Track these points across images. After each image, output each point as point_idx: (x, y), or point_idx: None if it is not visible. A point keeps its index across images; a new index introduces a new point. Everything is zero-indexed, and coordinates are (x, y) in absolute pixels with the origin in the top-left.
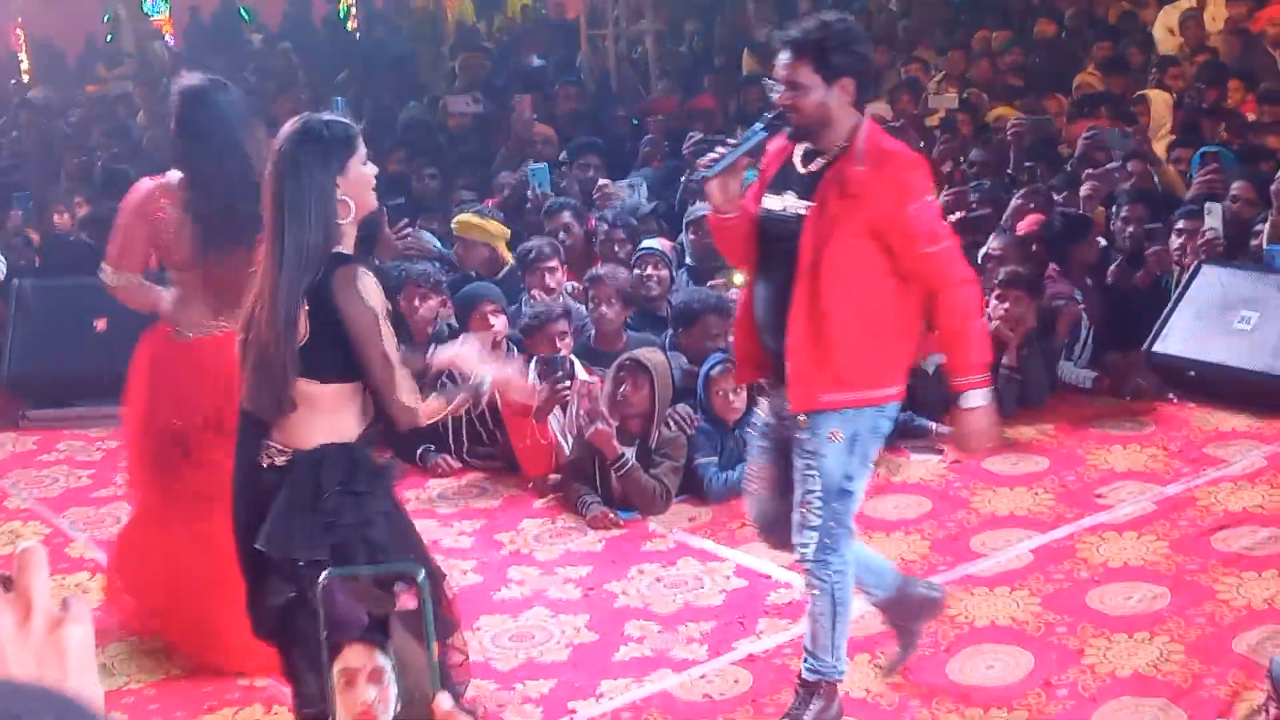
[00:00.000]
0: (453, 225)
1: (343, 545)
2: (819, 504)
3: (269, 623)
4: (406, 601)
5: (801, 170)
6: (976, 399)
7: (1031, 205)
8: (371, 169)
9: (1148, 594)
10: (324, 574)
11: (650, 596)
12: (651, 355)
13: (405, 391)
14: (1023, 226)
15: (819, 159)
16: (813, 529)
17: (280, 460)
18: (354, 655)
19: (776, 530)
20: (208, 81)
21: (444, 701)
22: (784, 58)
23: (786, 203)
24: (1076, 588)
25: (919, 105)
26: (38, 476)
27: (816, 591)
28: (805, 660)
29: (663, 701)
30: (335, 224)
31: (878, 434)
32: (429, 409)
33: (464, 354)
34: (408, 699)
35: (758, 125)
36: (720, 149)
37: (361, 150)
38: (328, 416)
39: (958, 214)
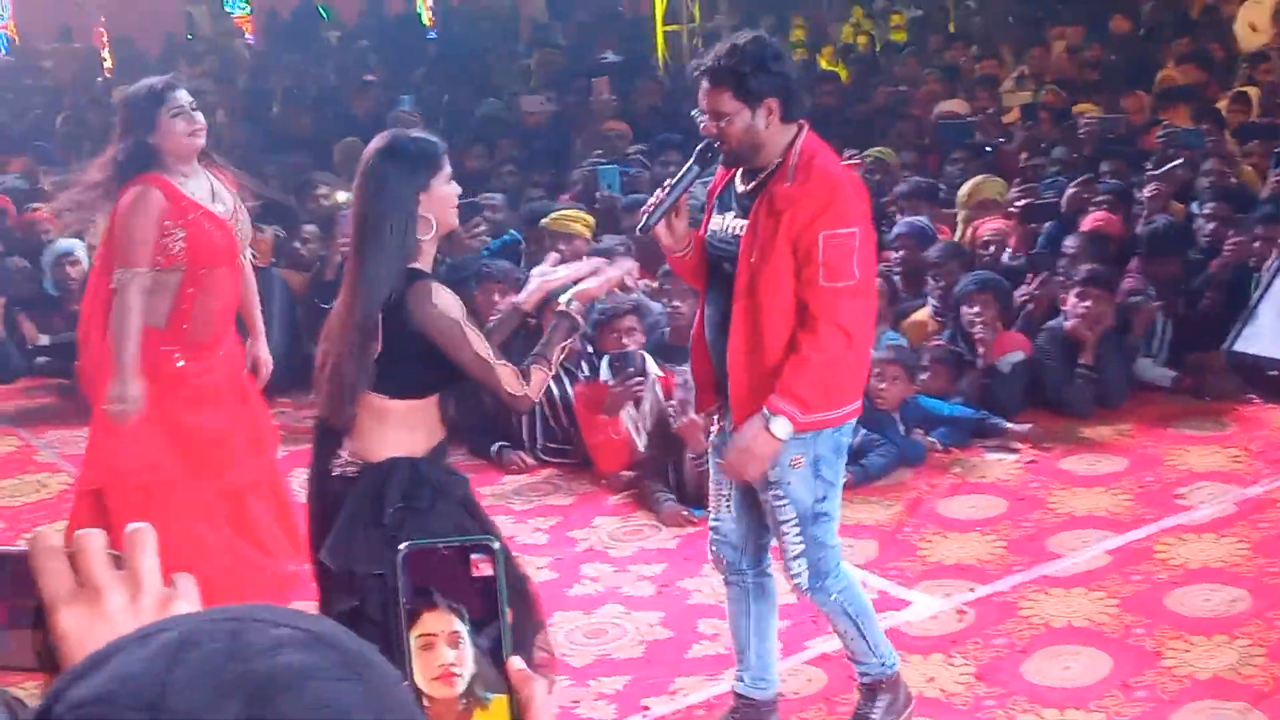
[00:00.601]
0: (544, 221)
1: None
2: (797, 532)
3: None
4: (482, 569)
5: (740, 189)
6: (781, 427)
7: (1085, 195)
8: (455, 188)
9: (1227, 596)
10: (401, 547)
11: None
12: None
13: (509, 381)
14: (1088, 223)
15: (755, 178)
16: (798, 558)
17: (350, 471)
18: (432, 620)
19: (729, 549)
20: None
21: (517, 663)
22: (704, 86)
23: (728, 223)
24: (1155, 589)
25: (995, 102)
26: None
27: (829, 614)
28: (856, 668)
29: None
30: (415, 240)
31: (840, 451)
32: (536, 383)
33: (546, 282)
34: (486, 679)
35: (691, 162)
36: (659, 193)
37: (446, 169)
38: (397, 431)
39: (1023, 200)
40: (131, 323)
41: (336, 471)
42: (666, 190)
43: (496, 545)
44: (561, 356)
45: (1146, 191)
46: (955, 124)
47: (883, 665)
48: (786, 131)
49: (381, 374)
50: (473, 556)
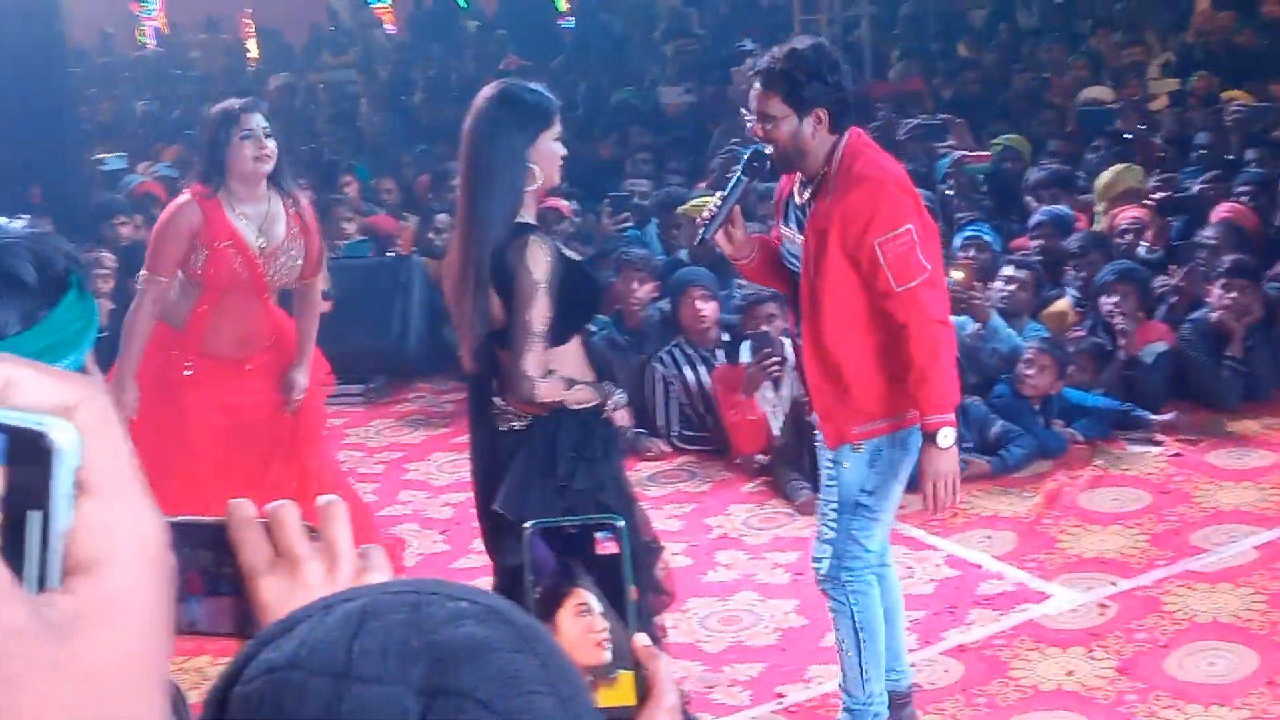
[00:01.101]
0: (681, 209)
1: (576, 509)
2: (833, 515)
3: (503, 583)
4: (607, 547)
5: (798, 201)
6: (946, 437)
7: (1216, 189)
8: (561, 148)
9: None
10: (527, 525)
11: None
12: None
13: (531, 363)
14: (1218, 214)
15: (807, 190)
16: (826, 542)
17: (518, 425)
18: (574, 597)
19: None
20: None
21: (642, 639)
22: (755, 88)
23: (792, 235)
24: None
25: (1142, 89)
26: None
27: (835, 615)
28: (841, 696)
29: None
30: (523, 190)
31: (907, 450)
32: (550, 388)
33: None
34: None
35: (739, 172)
36: (712, 205)
37: (557, 127)
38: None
39: (1161, 194)
40: (140, 327)
41: (504, 427)
42: (720, 200)
43: (620, 523)
44: (582, 399)
45: None
46: (1096, 111)
47: (867, 705)
48: (829, 140)
49: (503, 330)
50: (597, 535)
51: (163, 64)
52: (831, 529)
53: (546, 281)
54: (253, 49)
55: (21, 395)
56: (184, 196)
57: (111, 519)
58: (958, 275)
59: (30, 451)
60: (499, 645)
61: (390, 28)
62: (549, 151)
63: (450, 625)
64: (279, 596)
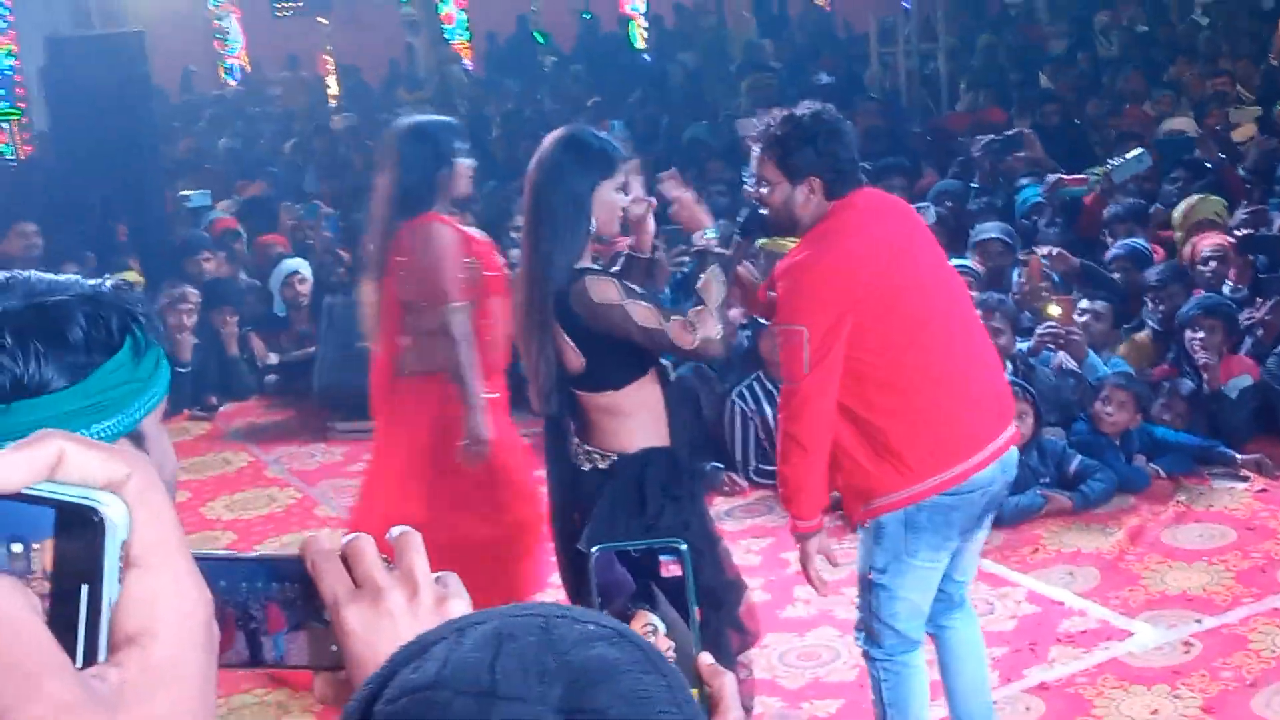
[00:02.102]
0: (760, 242)
1: None
2: (858, 591)
3: None
4: (671, 570)
5: None
6: (797, 536)
7: None
8: (622, 198)
9: None
10: (594, 549)
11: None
12: None
13: (679, 337)
14: None
15: None
16: (860, 617)
17: (602, 464)
18: (640, 619)
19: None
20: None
21: (706, 658)
22: (755, 151)
23: None
24: None
25: (1223, 120)
26: (344, 486)
27: (871, 685)
28: None
29: None
30: (586, 234)
31: (910, 528)
32: (705, 326)
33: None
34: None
35: (736, 232)
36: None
37: (619, 177)
38: (626, 421)
39: (1245, 230)
40: (473, 357)
41: (588, 466)
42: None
43: (683, 547)
44: (720, 292)
45: None
46: (1175, 140)
47: None
48: (820, 211)
49: (578, 377)
50: (661, 559)
51: (244, 101)
52: (858, 606)
53: (621, 295)
54: (333, 85)
55: (72, 469)
56: (425, 223)
57: (157, 590)
58: (1055, 311)
59: (80, 525)
60: (630, 667)
61: (468, 63)
62: (607, 200)
63: (582, 647)
64: (364, 625)
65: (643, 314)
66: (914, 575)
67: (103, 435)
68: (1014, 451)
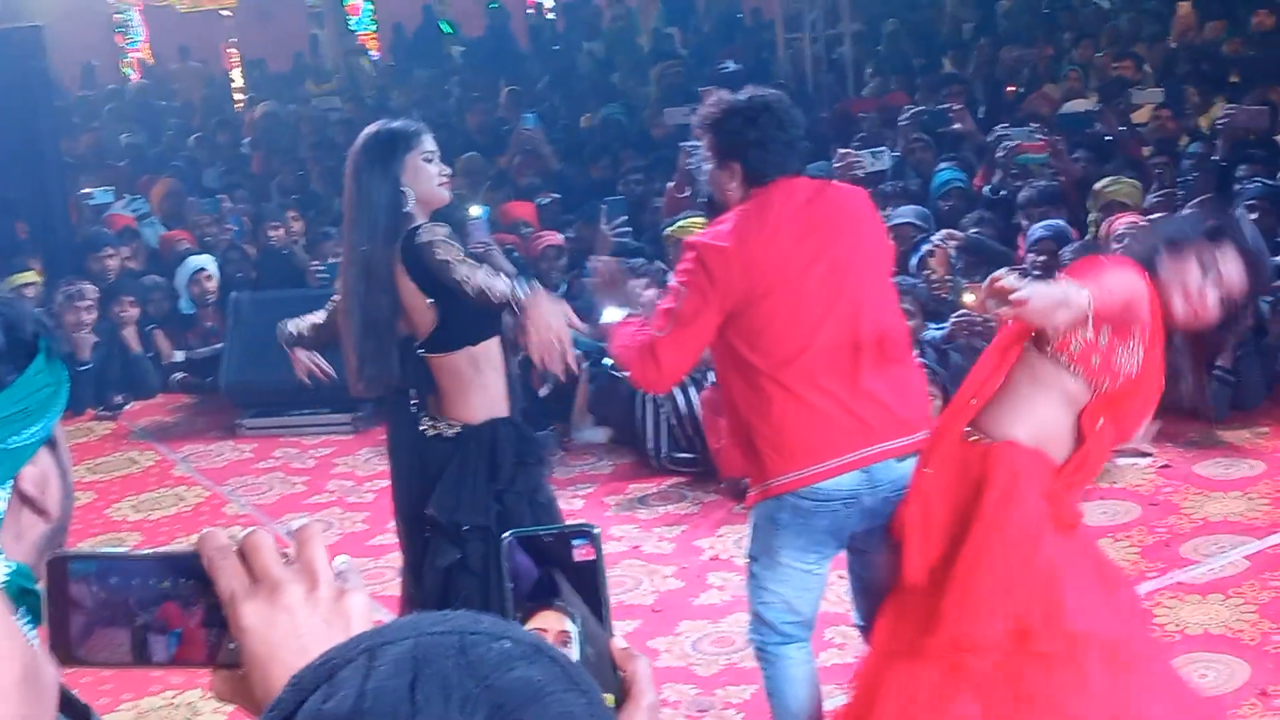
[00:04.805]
0: (667, 230)
1: (509, 511)
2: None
3: (434, 588)
4: (584, 553)
5: None
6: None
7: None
8: (434, 167)
9: None
10: (506, 536)
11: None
12: None
13: (489, 283)
14: None
15: None
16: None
17: (449, 432)
18: (544, 619)
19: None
20: None
21: (620, 643)
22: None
23: None
24: None
25: (1126, 100)
26: (254, 484)
27: None
28: None
29: None
30: (399, 213)
31: (776, 525)
32: (501, 285)
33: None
34: (588, 665)
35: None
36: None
37: (423, 148)
38: (474, 385)
39: (1156, 215)
40: None
41: (431, 433)
42: None
43: (595, 530)
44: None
45: None
46: (1074, 117)
47: None
48: (740, 196)
49: (430, 336)
50: (573, 543)
51: (147, 96)
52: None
53: (447, 236)
54: (237, 78)
55: None
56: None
57: None
58: (969, 299)
59: None
60: (551, 687)
61: (375, 54)
62: (416, 171)
63: (502, 669)
64: (262, 621)
65: (461, 259)
66: (782, 572)
67: (30, 441)
68: (892, 465)
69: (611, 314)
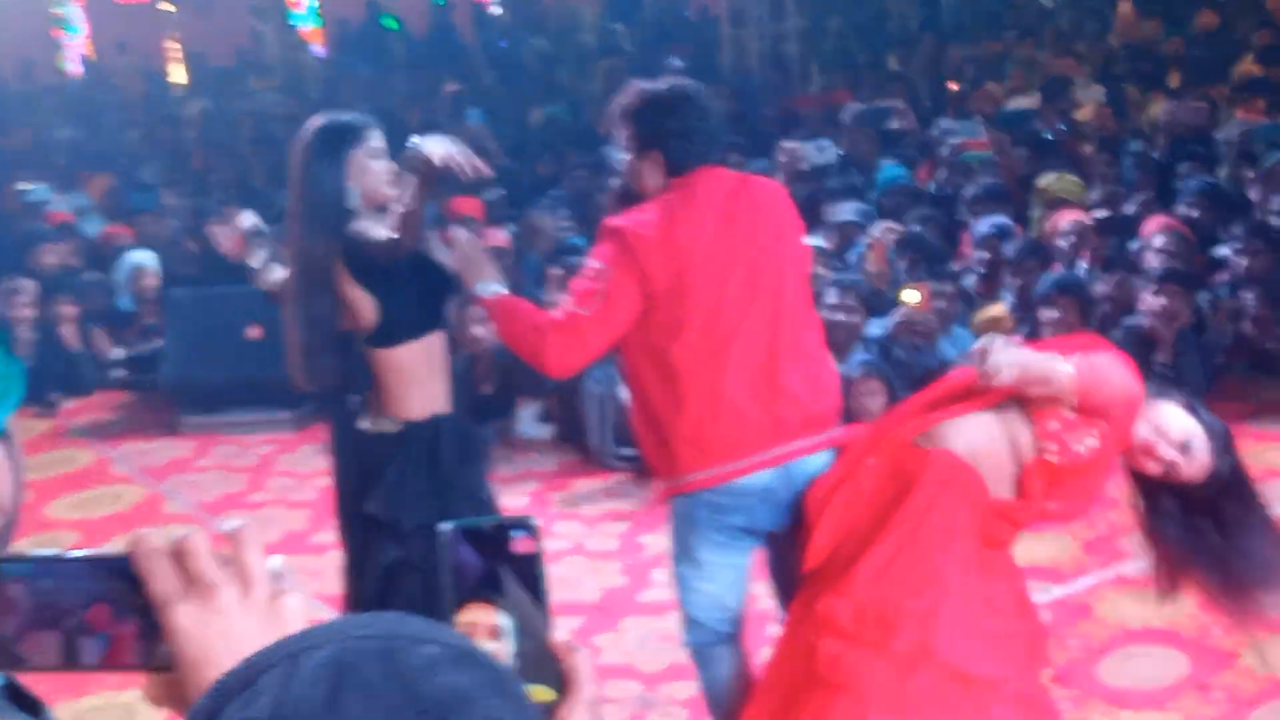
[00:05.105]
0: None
1: (450, 508)
2: None
3: (375, 586)
4: (523, 546)
5: None
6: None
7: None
8: (381, 163)
9: None
10: (446, 527)
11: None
12: None
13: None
14: (1152, 225)
15: None
16: None
17: (392, 429)
18: (473, 612)
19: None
20: None
21: (560, 637)
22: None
23: None
24: None
25: (1068, 99)
26: (194, 481)
27: None
28: None
29: None
30: (341, 209)
31: (692, 522)
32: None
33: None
34: (525, 658)
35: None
36: None
37: (369, 144)
38: (416, 379)
39: (1101, 212)
40: None
41: (372, 430)
42: None
43: (536, 522)
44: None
45: (1254, 193)
46: (1014, 114)
47: None
48: (661, 187)
49: (372, 332)
50: (512, 534)
51: (87, 91)
52: None
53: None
54: (177, 74)
55: None
56: None
57: None
58: (911, 298)
59: None
60: (478, 694)
61: (319, 50)
62: (360, 167)
63: (428, 675)
64: (195, 624)
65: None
66: (706, 569)
67: None
68: (807, 461)
69: (487, 287)
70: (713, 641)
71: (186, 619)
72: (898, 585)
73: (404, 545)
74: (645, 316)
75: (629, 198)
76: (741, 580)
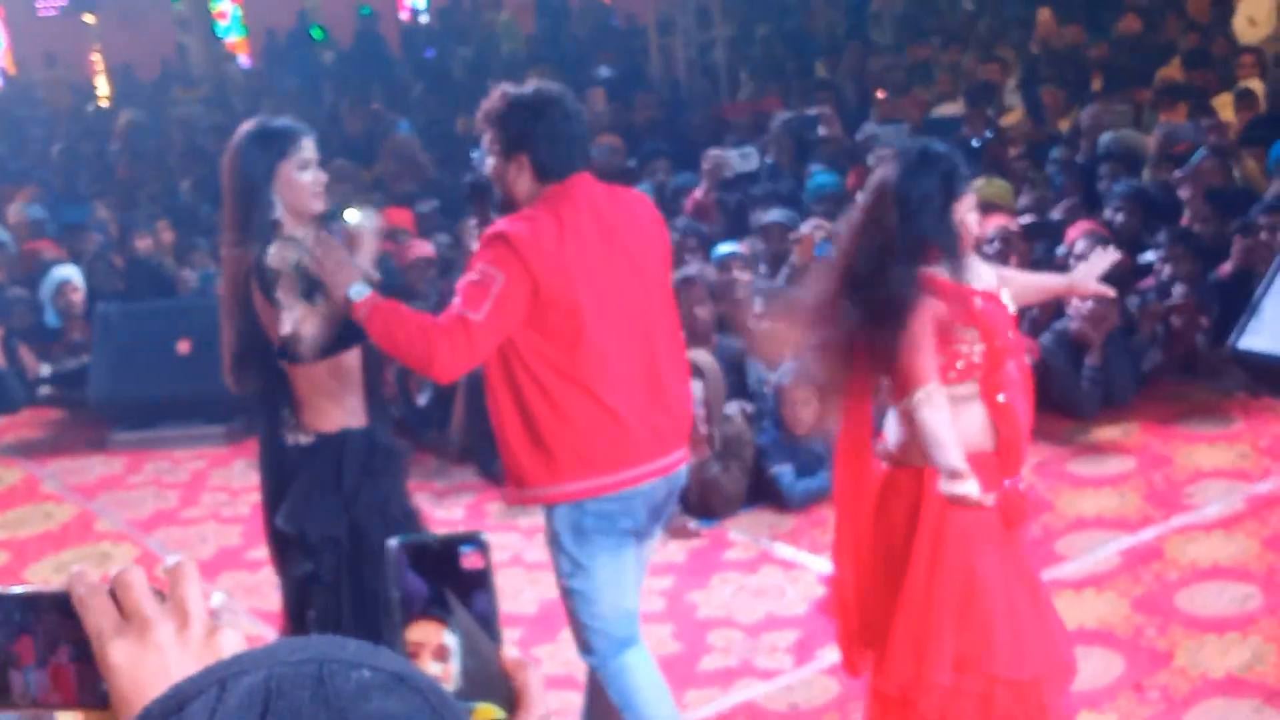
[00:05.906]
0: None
1: (358, 522)
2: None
3: (291, 599)
4: (472, 561)
5: None
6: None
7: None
8: (308, 175)
9: (1238, 594)
10: (393, 543)
11: (733, 606)
12: (700, 356)
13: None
14: (1077, 229)
15: None
16: (572, 630)
17: (304, 440)
18: (420, 630)
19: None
20: None
21: (510, 652)
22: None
23: None
24: (1165, 589)
25: (995, 105)
26: (125, 499)
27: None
28: None
29: (748, 711)
30: (267, 218)
31: (582, 532)
32: (308, 323)
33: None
34: (473, 676)
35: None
36: None
37: (299, 156)
38: (332, 394)
39: (1028, 218)
40: None
41: (291, 441)
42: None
43: (485, 538)
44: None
45: (1183, 192)
46: (940, 121)
47: None
48: (533, 191)
49: (282, 346)
50: (461, 550)
51: (8, 104)
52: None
53: (286, 266)
54: (102, 86)
55: None
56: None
57: None
58: None
59: None
60: (412, 719)
61: (244, 60)
62: (286, 180)
63: (360, 701)
64: (131, 660)
65: (289, 290)
66: (601, 575)
67: None
68: (682, 472)
69: (358, 291)
70: (618, 650)
71: (121, 654)
72: (958, 632)
73: (314, 559)
74: (528, 325)
75: (491, 198)
76: (633, 581)
